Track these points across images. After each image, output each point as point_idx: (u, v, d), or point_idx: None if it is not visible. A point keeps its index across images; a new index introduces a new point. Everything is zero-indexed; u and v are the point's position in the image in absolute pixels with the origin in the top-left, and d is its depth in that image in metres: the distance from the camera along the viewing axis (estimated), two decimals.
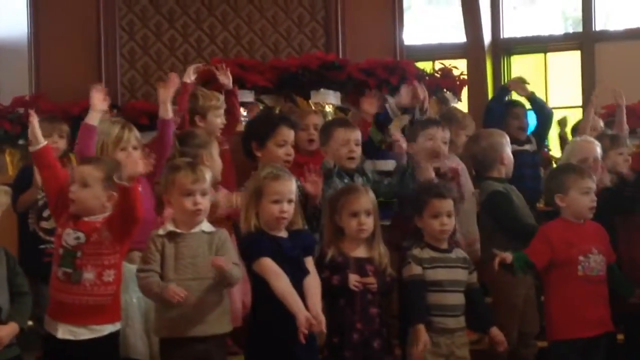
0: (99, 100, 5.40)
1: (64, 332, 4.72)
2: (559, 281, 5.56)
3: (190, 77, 6.66)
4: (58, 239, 4.79)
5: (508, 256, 5.48)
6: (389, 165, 6.64)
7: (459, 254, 5.56)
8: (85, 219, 4.78)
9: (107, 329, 4.82)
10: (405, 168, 6.01)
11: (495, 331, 5.46)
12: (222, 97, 6.66)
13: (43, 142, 4.95)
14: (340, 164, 5.95)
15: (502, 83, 11.20)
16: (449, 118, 7.05)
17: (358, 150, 6.02)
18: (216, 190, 5.53)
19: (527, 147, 7.47)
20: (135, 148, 5.46)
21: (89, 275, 4.73)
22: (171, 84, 5.97)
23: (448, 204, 5.50)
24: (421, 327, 5.25)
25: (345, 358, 5.15)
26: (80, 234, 4.74)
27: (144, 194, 5.35)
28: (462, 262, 5.52)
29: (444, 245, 5.51)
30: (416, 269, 5.39)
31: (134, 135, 5.49)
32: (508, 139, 6.39)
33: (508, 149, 6.27)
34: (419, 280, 5.37)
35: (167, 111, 5.82)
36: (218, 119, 6.48)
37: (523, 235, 5.79)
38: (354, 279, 5.18)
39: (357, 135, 6.06)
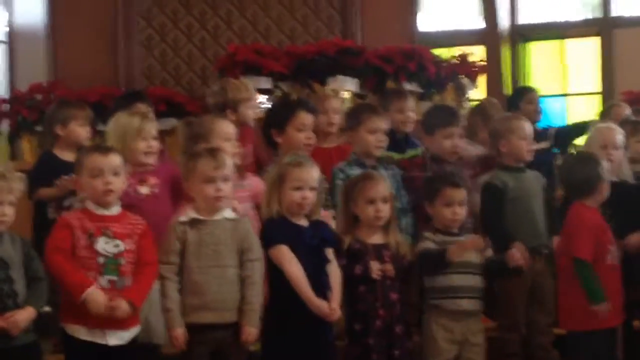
0: None
1: (115, 339, 4.73)
2: None
3: None
4: (86, 249, 4.69)
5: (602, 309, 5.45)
6: None
7: (470, 238, 5.54)
8: (114, 226, 4.79)
9: (138, 328, 4.88)
10: None
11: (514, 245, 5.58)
12: (252, 87, 6.62)
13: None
14: (367, 150, 5.92)
15: (520, 70, 11.18)
16: (482, 112, 7.03)
17: (385, 140, 6.00)
18: (244, 178, 5.52)
19: (542, 144, 7.36)
20: (154, 138, 5.49)
21: (129, 280, 4.74)
22: None
23: (461, 193, 5.50)
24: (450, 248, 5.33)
25: (369, 345, 5.17)
26: (118, 242, 4.75)
27: (165, 198, 5.37)
28: None
29: (455, 231, 5.52)
30: (429, 244, 5.41)
31: (154, 126, 5.51)
32: (519, 124, 6.12)
33: (514, 136, 6.00)
34: (431, 250, 5.38)
35: None
36: (250, 111, 6.41)
37: (490, 235, 5.78)
38: (376, 268, 5.19)
39: (386, 124, 6.04)
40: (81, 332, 4.71)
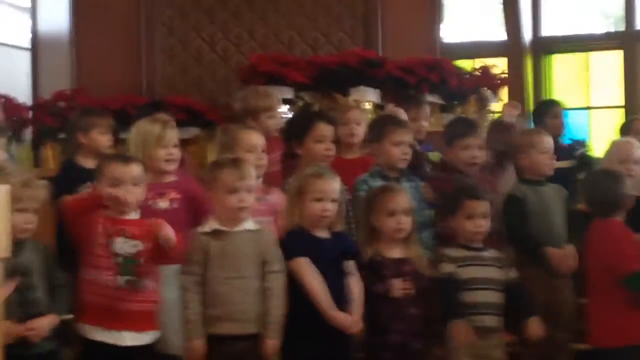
0: None
1: (131, 339, 4.78)
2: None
3: None
4: (103, 248, 4.76)
5: None
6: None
7: (493, 254, 5.51)
8: (131, 224, 4.81)
9: (155, 334, 4.92)
10: None
11: (533, 321, 5.41)
12: (276, 97, 6.60)
13: None
14: (391, 163, 5.90)
15: (542, 82, 11.14)
16: (503, 129, 7.00)
17: (410, 152, 5.98)
18: (267, 193, 5.50)
19: (565, 163, 7.30)
20: (175, 146, 5.49)
21: (149, 282, 4.79)
22: None
23: (483, 205, 5.46)
24: (459, 323, 5.22)
25: (385, 359, 5.14)
26: (137, 242, 4.79)
27: (184, 215, 5.36)
28: (497, 262, 5.48)
29: (478, 244, 5.48)
30: (449, 267, 5.35)
31: (175, 133, 5.52)
32: (539, 138, 6.16)
33: (534, 150, 6.04)
34: (453, 278, 5.33)
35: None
36: (271, 121, 6.36)
37: (516, 245, 5.74)
38: (397, 287, 5.15)
39: (411, 137, 6.03)
40: (97, 333, 4.73)
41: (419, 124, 6.86)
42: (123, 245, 4.76)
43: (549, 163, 6.06)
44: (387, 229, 5.26)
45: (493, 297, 5.39)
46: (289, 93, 8.02)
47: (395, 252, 5.27)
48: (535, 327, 5.40)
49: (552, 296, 5.84)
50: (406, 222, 5.26)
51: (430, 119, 7.34)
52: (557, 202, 6.02)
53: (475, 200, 5.46)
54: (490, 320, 5.35)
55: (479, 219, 5.43)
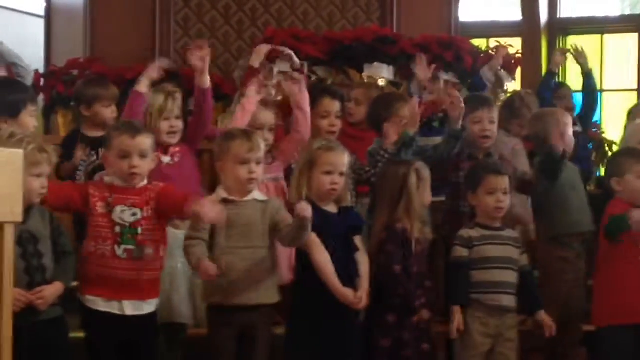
0: (154, 70, 5.37)
1: (131, 309, 4.75)
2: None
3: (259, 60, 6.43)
4: (103, 218, 4.74)
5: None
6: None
7: (511, 234, 5.52)
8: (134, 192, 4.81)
9: (157, 301, 4.90)
10: (459, 134, 5.87)
11: (542, 315, 5.42)
12: (269, 67, 6.59)
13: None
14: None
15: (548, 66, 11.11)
16: (509, 106, 6.98)
17: None
18: (273, 161, 5.50)
19: (574, 128, 7.34)
20: (177, 118, 5.49)
21: (149, 250, 4.75)
22: (205, 53, 5.65)
23: (504, 181, 5.45)
24: (457, 309, 5.26)
25: (403, 339, 5.16)
26: (137, 210, 4.76)
27: (189, 167, 5.37)
28: (514, 241, 5.48)
29: (497, 224, 5.46)
30: (461, 252, 5.35)
31: (177, 105, 5.52)
32: (570, 118, 6.26)
33: (569, 128, 6.13)
34: (463, 262, 5.33)
35: (207, 80, 5.60)
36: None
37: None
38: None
39: None
40: (99, 304, 4.73)
41: None
42: (122, 215, 4.74)
43: None
44: (424, 203, 5.28)
45: (511, 276, 5.39)
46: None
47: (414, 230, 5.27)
48: (545, 319, 5.44)
49: (577, 275, 5.90)
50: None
51: None
52: (579, 179, 6.11)
53: (497, 176, 5.44)
54: (507, 300, 5.36)
55: (499, 194, 5.42)
